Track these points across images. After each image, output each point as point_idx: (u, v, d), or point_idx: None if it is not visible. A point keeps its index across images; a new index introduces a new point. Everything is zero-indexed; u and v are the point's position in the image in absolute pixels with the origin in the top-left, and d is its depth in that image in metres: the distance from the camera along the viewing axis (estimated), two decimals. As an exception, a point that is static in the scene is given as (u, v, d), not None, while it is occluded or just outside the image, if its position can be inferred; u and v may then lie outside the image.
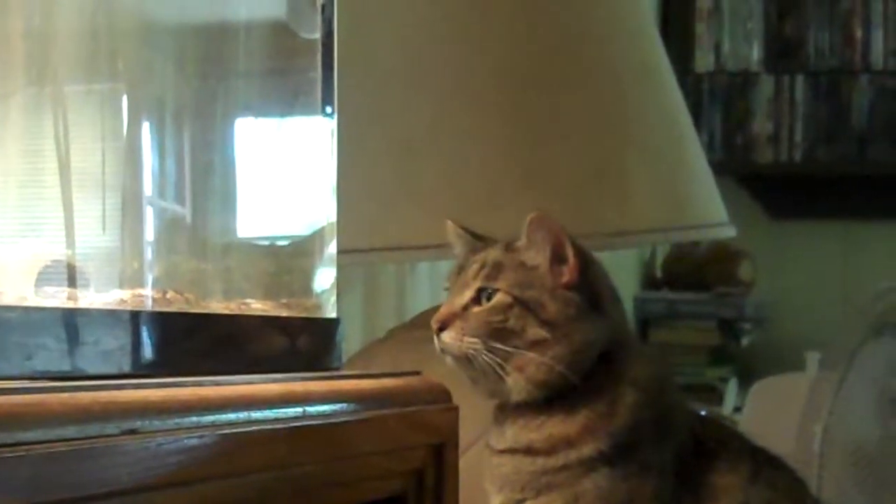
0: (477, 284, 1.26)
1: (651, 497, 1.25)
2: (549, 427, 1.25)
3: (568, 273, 1.25)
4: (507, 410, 1.28)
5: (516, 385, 1.24)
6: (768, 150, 4.34)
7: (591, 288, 1.27)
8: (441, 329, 1.25)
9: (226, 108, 1.26)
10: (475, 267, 1.27)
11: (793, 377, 2.50)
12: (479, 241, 1.32)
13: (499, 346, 1.23)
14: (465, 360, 1.24)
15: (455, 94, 1.74)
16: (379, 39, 1.75)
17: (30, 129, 1.06)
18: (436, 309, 1.96)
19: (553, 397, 1.25)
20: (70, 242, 1.04)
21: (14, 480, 0.72)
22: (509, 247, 1.28)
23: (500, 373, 1.23)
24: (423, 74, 1.75)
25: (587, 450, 1.24)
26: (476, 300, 1.25)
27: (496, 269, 1.26)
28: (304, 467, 1.02)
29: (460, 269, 1.29)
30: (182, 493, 0.87)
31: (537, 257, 1.26)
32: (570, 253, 1.25)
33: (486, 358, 1.23)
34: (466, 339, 1.24)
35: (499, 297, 1.24)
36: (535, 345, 1.23)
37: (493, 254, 1.28)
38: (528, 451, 1.26)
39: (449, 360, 1.26)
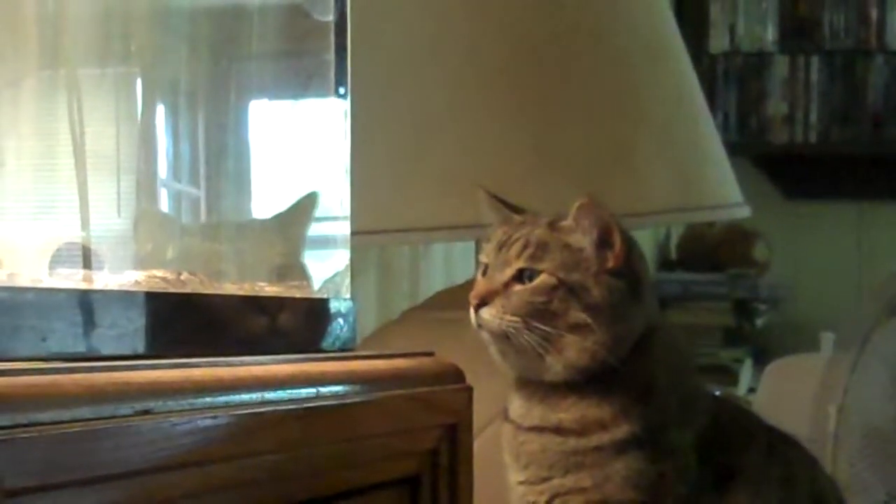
0: (520, 264, 1.24)
1: (676, 478, 1.25)
2: (581, 408, 1.25)
3: (613, 259, 1.24)
4: (532, 387, 1.27)
5: (554, 366, 1.23)
6: (783, 130, 4.33)
7: (633, 274, 1.26)
8: (480, 305, 1.24)
9: (239, 91, 1.26)
10: (518, 245, 1.25)
11: (807, 358, 2.49)
12: (514, 212, 1.31)
13: (540, 326, 1.22)
14: (504, 337, 1.24)
15: (468, 75, 1.73)
16: (392, 20, 1.75)
17: (45, 111, 1.07)
18: (451, 290, 1.97)
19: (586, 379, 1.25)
20: (85, 224, 1.04)
21: (29, 461, 0.73)
22: (554, 226, 1.26)
23: (541, 351, 1.22)
24: (436, 55, 1.75)
25: (621, 432, 1.23)
26: (517, 278, 1.24)
27: (541, 249, 1.25)
28: (317, 448, 1.02)
29: (501, 244, 1.27)
30: (195, 474, 0.87)
31: (583, 240, 1.24)
32: (617, 239, 1.24)
33: (526, 337, 1.22)
34: (507, 317, 1.23)
35: (543, 279, 1.23)
36: (576, 328, 1.22)
37: (537, 232, 1.26)
38: (558, 430, 1.25)
39: (485, 335, 1.25)
